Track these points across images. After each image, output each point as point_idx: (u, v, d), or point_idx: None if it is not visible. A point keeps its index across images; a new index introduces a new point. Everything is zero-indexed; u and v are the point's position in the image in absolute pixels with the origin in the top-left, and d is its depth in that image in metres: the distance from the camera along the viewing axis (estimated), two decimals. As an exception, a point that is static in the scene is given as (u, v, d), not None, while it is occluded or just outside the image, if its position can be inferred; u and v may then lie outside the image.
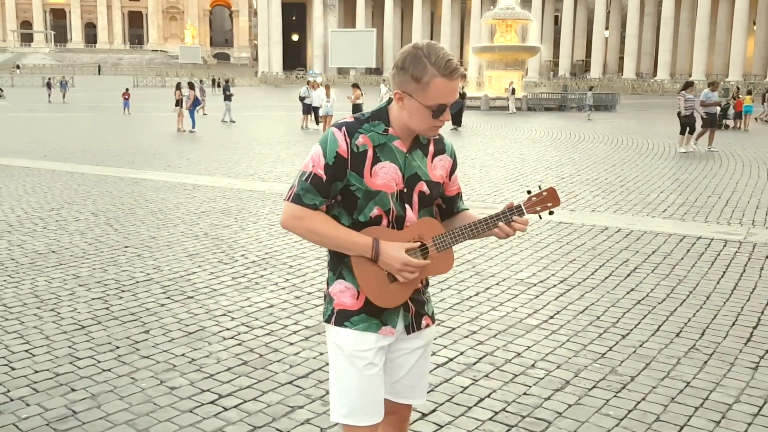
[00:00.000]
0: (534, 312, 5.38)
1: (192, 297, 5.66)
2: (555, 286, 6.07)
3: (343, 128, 2.17)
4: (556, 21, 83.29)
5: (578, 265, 6.73)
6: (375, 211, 2.18)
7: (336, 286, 2.27)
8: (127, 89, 32.66)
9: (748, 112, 25.73)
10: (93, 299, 5.57)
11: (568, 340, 4.80)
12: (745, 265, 6.78)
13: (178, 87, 23.37)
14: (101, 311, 5.29)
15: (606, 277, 6.35)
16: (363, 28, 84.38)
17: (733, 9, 66.35)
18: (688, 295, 5.85)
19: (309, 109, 23.88)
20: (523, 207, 2.25)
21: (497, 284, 6.07)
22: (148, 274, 6.30)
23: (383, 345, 2.27)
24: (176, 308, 5.38)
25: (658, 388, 4.06)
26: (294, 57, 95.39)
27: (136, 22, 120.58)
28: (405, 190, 2.21)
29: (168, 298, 5.63)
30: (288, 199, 2.19)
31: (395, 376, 2.35)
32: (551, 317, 5.27)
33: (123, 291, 5.79)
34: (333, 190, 2.16)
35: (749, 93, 27.89)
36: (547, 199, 2.26)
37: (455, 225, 2.33)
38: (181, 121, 22.47)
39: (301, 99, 24.76)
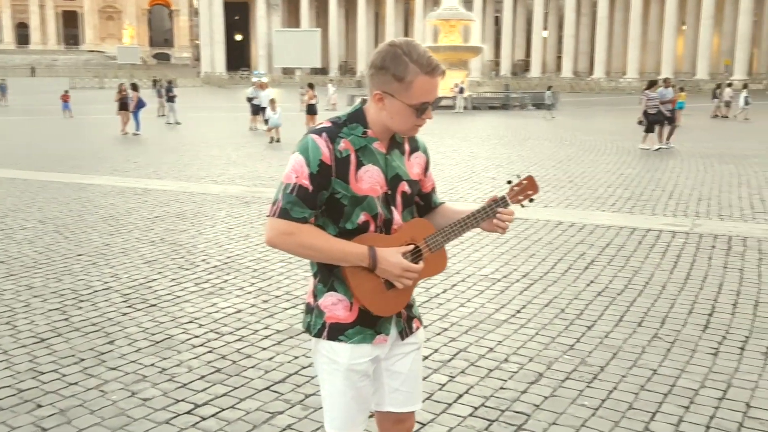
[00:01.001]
0: (501, 307, 5.46)
1: (155, 305, 5.53)
2: (518, 280, 6.18)
3: (324, 134, 2.08)
4: (497, 22, 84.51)
5: (538, 260, 6.86)
6: (362, 217, 2.11)
7: (327, 298, 2.17)
8: (66, 91, 31.67)
9: (681, 108, 26.65)
10: (50, 310, 5.39)
11: (537, 334, 4.89)
12: (695, 255, 7.02)
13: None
14: (60, 323, 5.12)
15: (566, 271, 6.49)
16: (307, 27, 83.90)
17: (664, 9, 68.65)
18: (645, 286, 6.03)
19: (257, 110, 23.61)
20: (507, 198, 2.25)
21: (463, 281, 6.14)
22: (106, 282, 6.14)
23: (378, 355, 2.23)
24: (139, 317, 5.25)
25: (627, 377, 4.18)
26: (238, 57, 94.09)
27: (71, 21, 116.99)
28: (389, 192, 2.16)
29: (130, 306, 5.49)
30: (274, 215, 2.06)
31: (394, 384, 2.30)
32: (518, 311, 5.36)
33: (81, 301, 5.63)
34: (320, 200, 2.07)
35: (682, 90, 28.82)
36: (528, 188, 2.27)
37: (437, 220, 2.31)
38: (126, 124, 21.94)
39: (249, 100, 24.46)
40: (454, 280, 6.16)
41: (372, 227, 2.14)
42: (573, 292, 5.84)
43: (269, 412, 3.74)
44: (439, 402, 3.84)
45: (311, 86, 22.08)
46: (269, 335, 4.87)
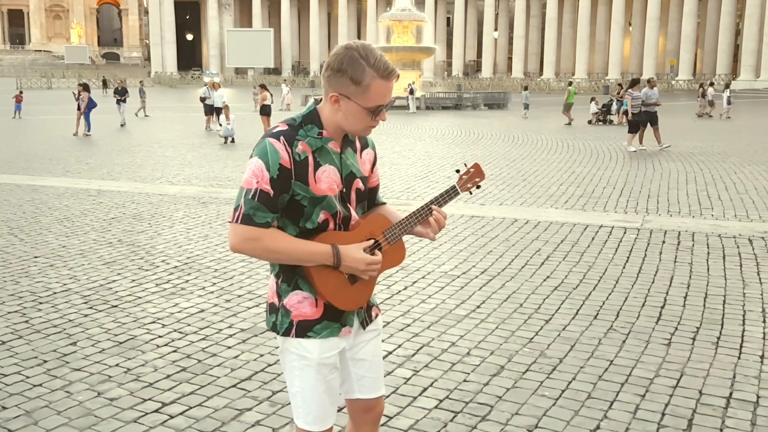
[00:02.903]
0: (461, 302, 5.58)
1: (116, 306, 5.49)
2: (477, 277, 6.31)
3: (282, 138, 2.10)
4: (448, 23, 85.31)
5: (495, 256, 7.02)
6: (322, 216, 2.16)
7: (292, 297, 2.21)
8: (21, 92, 30.79)
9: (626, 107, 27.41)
10: (9, 313, 5.30)
11: (497, 328, 5.02)
12: (646, 250, 7.27)
13: (84, 89, 22.34)
14: (21, 325, 5.05)
15: (523, 266, 6.66)
16: (260, 27, 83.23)
17: (611, 11, 70.34)
18: (599, 280, 6.23)
19: (211, 110, 23.37)
20: (457, 187, 2.35)
21: (423, 278, 6.25)
22: (65, 284, 6.05)
23: (344, 346, 2.30)
24: (101, 318, 5.21)
25: (585, 368, 4.33)
26: (189, 57, 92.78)
27: (16, 20, 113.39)
28: (344, 189, 2.21)
29: (91, 308, 5.44)
30: (236, 221, 2.08)
31: (360, 371, 2.37)
32: (478, 306, 5.49)
33: (41, 303, 5.54)
34: (280, 203, 2.10)
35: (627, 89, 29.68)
36: (475, 175, 2.37)
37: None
38: (79, 124, 21.51)
39: (202, 100, 24.18)
40: (414, 277, 6.27)
41: (331, 225, 2.20)
42: (530, 287, 6.00)
43: (237, 409, 3.77)
44: (404, 396, 3.93)
45: (264, 87, 21.83)
46: (233, 334, 4.88)
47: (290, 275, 2.21)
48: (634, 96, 17.59)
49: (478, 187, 2.38)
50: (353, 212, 2.25)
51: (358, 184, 2.26)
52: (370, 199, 2.38)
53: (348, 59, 2.07)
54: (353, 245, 2.18)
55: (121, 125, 24.41)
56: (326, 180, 2.15)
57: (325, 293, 2.18)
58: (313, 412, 2.27)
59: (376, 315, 2.41)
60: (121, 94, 25.69)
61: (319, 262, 2.14)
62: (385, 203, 2.45)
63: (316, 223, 2.16)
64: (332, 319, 2.23)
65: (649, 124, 17.46)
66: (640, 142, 17.38)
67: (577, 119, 27.46)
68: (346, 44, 2.11)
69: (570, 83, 30.64)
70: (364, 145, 2.33)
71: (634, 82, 18.45)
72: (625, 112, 17.84)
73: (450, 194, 2.32)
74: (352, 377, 2.38)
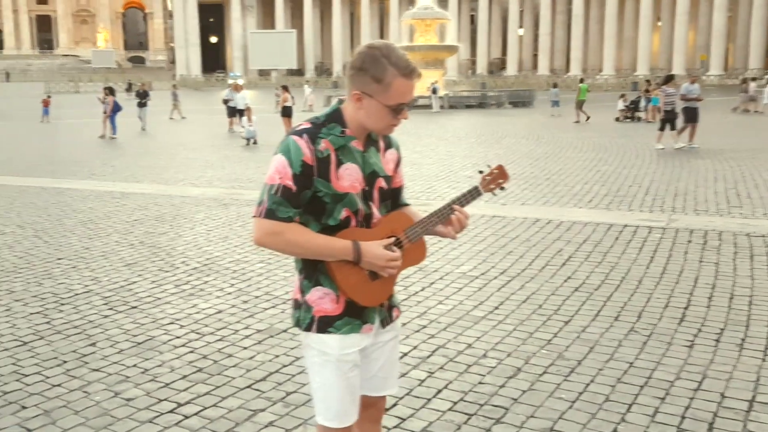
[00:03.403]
0: (479, 304, 5.54)
1: (136, 307, 5.54)
2: (496, 277, 6.26)
3: (305, 135, 2.15)
4: (473, 20, 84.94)
5: (515, 257, 6.95)
6: (344, 213, 2.20)
7: (313, 293, 2.25)
8: (48, 96, 31.30)
9: (655, 104, 27.01)
10: (32, 314, 5.37)
11: (514, 329, 4.97)
12: (671, 250, 7.15)
13: (109, 92, 22.58)
14: (42, 326, 5.12)
15: (543, 267, 6.58)
16: (282, 29, 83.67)
17: (639, 6, 69.41)
18: (622, 281, 6.13)
19: (234, 112, 23.53)
20: (479, 187, 2.36)
21: (441, 279, 6.21)
22: (87, 285, 6.12)
23: (366, 344, 2.31)
24: (121, 319, 5.26)
25: (603, 370, 4.27)
26: (213, 59, 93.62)
27: (45, 26, 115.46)
28: (367, 188, 2.25)
29: (111, 309, 5.49)
30: (260, 216, 2.14)
31: (371, 371, 2.38)
32: (496, 308, 5.44)
33: (62, 304, 5.61)
34: (303, 199, 2.15)
35: (658, 86, 29.25)
36: (498, 176, 2.38)
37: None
38: (105, 127, 21.81)
39: (225, 102, 24.36)
40: (432, 278, 6.23)
41: (353, 222, 2.22)
42: (550, 288, 5.92)
43: (251, 410, 3.77)
44: (418, 397, 3.90)
45: (285, 88, 21.92)
46: (250, 335, 4.90)
47: (312, 271, 2.25)
48: (667, 93, 16.91)
49: (502, 188, 2.38)
50: (375, 210, 2.27)
51: (381, 183, 2.29)
52: (393, 199, 2.40)
53: (370, 58, 2.12)
54: (374, 242, 2.20)
55: (142, 129, 24.23)
56: (348, 177, 2.19)
57: (346, 289, 2.21)
58: (333, 408, 2.29)
59: (397, 316, 2.43)
60: (142, 97, 25.52)
61: (339, 257, 2.17)
62: (409, 204, 2.48)
63: (338, 220, 2.20)
64: (353, 315, 2.25)
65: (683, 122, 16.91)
66: (691, 139, 16.72)
67: (604, 117, 27.16)
68: (369, 43, 2.17)
69: (582, 80, 30.26)
70: (388, 145, 2.36)
71: (668, 79, 17.71)
72: (658, 109, 17.10)
73: (472, 194, 2.34)
74: (362, 374, 2.38)
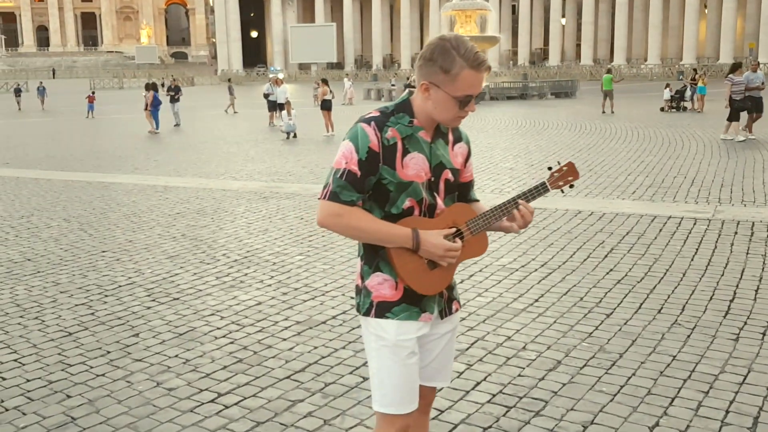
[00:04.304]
0: (519, 296, 5.48)
1: (178, 298, 5.63)
2: (536, 270, 6.19)
3: (372, 123, 2.19)
4: (514, 10, 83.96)
5: (556, 249, 6.86)
6: (407, 203, 2.22)
7: (373, 279, 2.29)
8: (93, 92, 31.95)
9: (703, 94, 26.35)
10: (77, 305, 5.51)
11: (555, 322, 4.91)
12: (716, 242, 6.97)
13: (148, 88, 22.94)
14: (87, 317, 5.24)
15: (585, 259, 6.49)
16: (322, 23, 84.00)
17: (685, -7, 67.81)
18: (665, 273, 6.01)
19: (274, 106, 23.72)
20: (547, 183, 2.33)
21: (480, 271, 6.16)
22: (130, 277, 6.25)
23: (424, 332, 2.31)
24: (163, 310, 5.35)
25: (646, 363, 4.19)
26: (254, 54, 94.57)
27: (89, 23, 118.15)
28: (432, 179, 2.26)
29: (153, 300, 5.60)
30: (324, 198, 2.19)
31: (424, 361, 2.39)
32: (536, 300, 5.38)
33: (106, 296, 5.74)
34: (367, 185, 2.19)
35: (703, 75, 28.54)
36: (567, 174, 2.35)
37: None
38: (152, 121, 22.22)
39: (266, 96, 24.57)
40: (471, 270, 6.19)
41: (417, 212, 2.25)
42: (592, 281, 5.84)
43: (290, 401, 3.80)
44: (457, 389, 3.88)
45: (325, 81, 21.95)
46: (289, 326, 4.94)
47: (372, 257, 2.28)
48: (735, 81, 16.09)
49: (572, 186, 2.36)
50: (440, 202, 2.29)
51: (448, 174, 2.30)
52: (462, 193, 2.43)
53: (439, 49, 2.15)
54: (434, 231, 2.22)
55: (175, 125, 23.85)
56: (414, 167, 2.21)
57: (404, 275, 2.22)
58: (389, 395, 2.29)
59: (456, 310, 2.44)
60: (175, 92, 25.00)
61: (398, 243, 2.20)
62: (478, 200, 2.49)
63: (401, 209, 2.22)
64: (411, 302, 2.27)
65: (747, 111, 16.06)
66: (749, 131, 15.96)
67: (649, 107, 26.61)
68: (440, 35, 2.20)
69: (608, 70, 29.58)
70: (458, 138, 2.38)
71: (736, 67, 16.78)
72: (730, 99, 16.06)
73: (539, 190, 2.33)
74: None
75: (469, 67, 2.13)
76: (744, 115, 16.18)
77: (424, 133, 2.25)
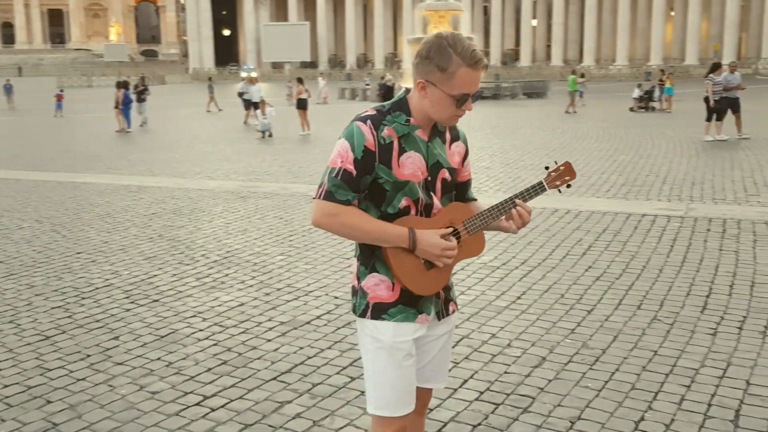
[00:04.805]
0: (501, 294, 5.52)
1: (157, 300, 5.56)
2: (517, 267, 6.23)
3: (369, 121, 2.17)
4: (486, 11, 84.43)
5: (536, 247, 6.92)
6: (403, 202, 2.20)
7: (369, 279, 2.26)
8: (61, 90, 31.42)
9: (670, 94, 26.82)
10: (53, 308, 5.41)
11: (538, 319, 4.95)
12: (690, 239, 7.09)
13: (119, 86, 22.59)
14: (64, 320, 5.15)
15: (564, 257, 6.55)
16: (295, 21, 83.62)
17: (652, -4, 68.83)
18: (643, 269, 6.09)
19: (249, 105, 23.55)
20: (544, 183, 2.32)
21: (462, 269, 6.19)
22: (107, 279, 6.15)
23: (420, 334, 2.28)
24: (143, 312, 5.28)
25: (628, 358, 4.24)
26: (226, 52, 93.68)
27: (56, 20, 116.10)
28: (429, 178, 2.24)
29: (132, 302, 5.52)
30: (319, 197, 2.17)
31: (421, 362, 2.36)
32: (518, 298, 5.42)
33: (83, 298, 5.65)
34: (363, 184, 2.16)
35: (669, 75, 29.01)
36: (565, 173, 2.33)
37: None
38: (121, 120, 21.89)
39: (240, 95, 24.38)
40: (454, 268, 6.19)
41: (413, 212, 2.22)
42: (572, 278, 5.90)
43: (278, 402, 3.78)
44: (445, 387, 3.87)
45: (300, 80, 21.88)
46: (273, 327, 4.90)
47: (369, 258, 2.25)
48: (715, 81, 16.17)
49: (569, 186, 2.34)
50: (436, 201, 2.26)
51: (445, 174, 2.28)
52: (460, 193, 2.40)
53: (436, 47, 2.12)
54: (430, 230, 2.19)
55: (141, 125, 23.12)
56: (410, 166, 2.18)
57: (400, 276, 2.19)
58: (384, 397, 2.26)
59: (453, 311, 2.41)
60: (141, 91, 24.24)
61: (394, 243, 2.17)
62: (476, 199, 2.47)
63: (397, 208, 2.20)
64: (408, 304, 2.24)
65: (729, 112, 16.22)
66: (718, 132, 16.10)
67: (619, 107, 26.93)
68: (437, 33, 2.16)
69: (573, 71, 29.97)
70: (455, 137, 2.35)
71: (716, 67, 16.75)
72: (706, 99, 16.36)
73: (536, 190, 2.31)
74: None
75: (466, 65, 2.11)
76: (725, 115, 16.27)
77: (421, 132, 2.23)
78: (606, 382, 3.93)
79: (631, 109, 26.71)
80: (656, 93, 27.43)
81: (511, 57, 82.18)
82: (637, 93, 27.25)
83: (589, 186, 10.32)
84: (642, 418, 3.52)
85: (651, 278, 5.84)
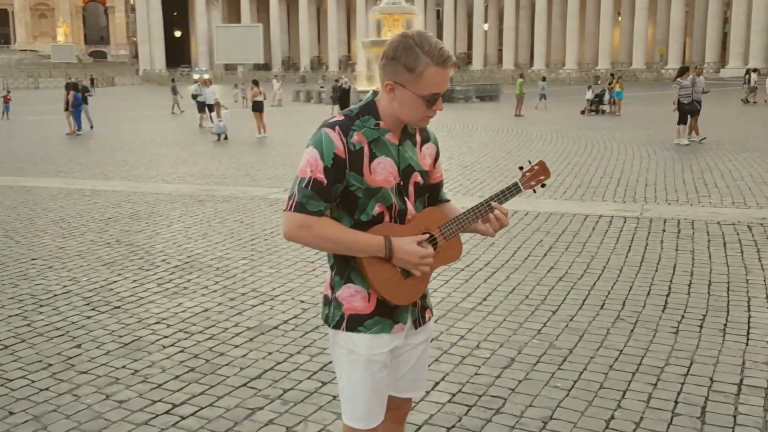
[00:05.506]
0: (468, 295, 5.56)
1: (119, 307, 5.43)
2: (481, 269, 6.29)
3: (337, 127, 2.08)
4: (438, 15, 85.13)
5: (498, 248, 6.99)
6: (377, 209, 2.12)
7: (344, 290, 2.19)
8: (8, 92, 30.52)
9: (620, 98, 27.50)
10: (10, 316, 5.23)
11: (504, 320, 5.00)
12: (647, 239, 7.26)
13: (68, 87, 22.01)
14: (22, 328, 4.99)
15: (526, 258, 6.64)
16: (248, 23, 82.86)
17: (600, 1, 70.34)
18: (603, 270, 6.21)
19: (203, 107, 23.23)
20: (519, 184, 2.27)
21: (427, 272, 6.20)
22: (65, 286, 5.99)
23: (396, 344, 2.23)
24: (104, 319, 5.15)
25: (595, 358, 4.32)
26: (177, 54, 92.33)
27: (1, 20, 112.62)
28: (401, 182, 2.17)
29: (93, 309, 5.38)
30: (290, 209, 2.07)
31: (399, 372, 2.32)
32: (484, 299, 5.47)
33: (41, 305, 5.48)
34: (335, 193, 2.08)
35: (619, 79, 29.73)
36: (539, 173, 2.29)
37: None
38: (71, 122, 21.34)
39: (194, 97, 24.03)
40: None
41: (387, 218, 2.15)
42: (535, 278, 5.98)
43: (249, 409, 3.73)
44: (417, 390, 3.89)
45: (256, 83, 21.70)
46: (240, 332, 4.84)
47: (343, 267, 2.18)
48: (683, 85, 16.34)
49: (543, 185, 2.30)
50: (410, 206, 2.20)
51: (417, 177, 2.21)
52: (432, 195, 2.34)
53: (402, 46, 2.04)
54: (407, 238, 2.12)
55: (90, 127, 22.58)
56: (382, 171, 2.11)
57: (377, 286, 2.13)
58: (359, 409, 2.22)
59: (429, 318, 2.35)
60: (83, 92, 23.39)
61: (370, 253, 2.10)
62: (448, 200, 2.40)
63: (370, 216, 2.12)
64: (384, 315, 2.18)
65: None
66: (689, 134, 16.33)
67: (570, 110, 27.42)
68: (403, 33, 2.08)
69: (521, 75, 30.66)
70: (425, 139, 2.28)
71: (683, 71, 16.97)
72: (679, 104, 16.34)
73: (511, 191, 2.25)
74: (390, 375, 2.32)
75: (434, 64, 2.02)
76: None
77: (391, 136, 2.15)
78: (575, 381, 3.99)
79: (582, 112, 27.28)
80: (606, 96, 28.08)
81: (464, 60, 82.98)
82: (589, 94, 27.89)
83: (546, 188, 10.45)
84: (612, 417, 3.59)
85: (612, 278, 5.96)
